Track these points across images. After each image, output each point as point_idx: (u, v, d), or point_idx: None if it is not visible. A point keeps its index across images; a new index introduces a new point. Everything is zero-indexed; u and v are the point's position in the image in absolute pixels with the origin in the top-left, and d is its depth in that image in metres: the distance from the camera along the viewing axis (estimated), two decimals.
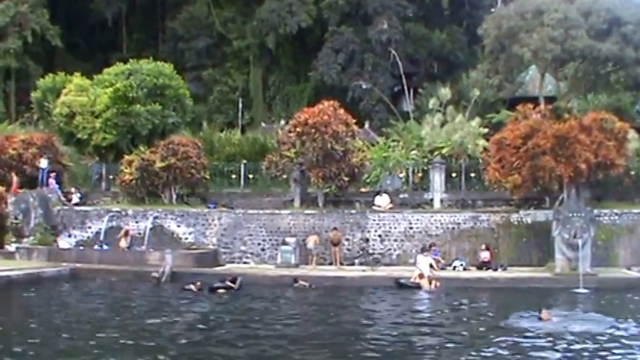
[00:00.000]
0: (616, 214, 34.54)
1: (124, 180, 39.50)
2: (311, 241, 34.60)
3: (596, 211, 33.07)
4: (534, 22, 47.98)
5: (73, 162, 44.42)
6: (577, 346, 17.51)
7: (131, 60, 46.27)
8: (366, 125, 54.20)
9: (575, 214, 31.31)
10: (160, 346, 17.32)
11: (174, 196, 39.48)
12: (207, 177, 40.71)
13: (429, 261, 30.74)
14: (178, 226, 36.91)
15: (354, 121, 38.84)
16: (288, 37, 68.69)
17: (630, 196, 36.97)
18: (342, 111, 38.00)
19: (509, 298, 26.77)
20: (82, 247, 36.36)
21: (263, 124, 61.73)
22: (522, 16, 49.01)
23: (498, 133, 35.80)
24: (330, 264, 34.56)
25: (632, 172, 37.43)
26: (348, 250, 35.32)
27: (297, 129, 37.08)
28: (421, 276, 29.66)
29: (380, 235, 35.52)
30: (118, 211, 37.86)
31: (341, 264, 34.39)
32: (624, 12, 47.24)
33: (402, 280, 29.76)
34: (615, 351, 17.00)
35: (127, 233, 35.82)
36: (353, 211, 36.61)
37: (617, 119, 35.16)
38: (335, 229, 34.99)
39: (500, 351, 17.07)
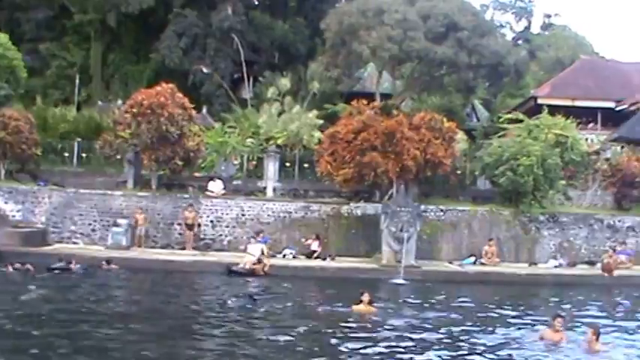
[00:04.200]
0: (441, 210, 36.14)
1: None
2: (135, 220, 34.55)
3: (423, 207, 34.50)
4: (375, 21, 49.39)
5: None
6: (395, 334, 18.37)
7: None
8: (204, 110, 54.07)
9: (402, 209, 32.54)
10: None
11: (3, 172, 38.16)
12: (39, 153, 39.38)
13: (259, 247, 31.22)
14: (6, 202, 35.71)
15: (192, 105, 38.63)
16: (130, 16, 67.45)
17: (455, 194, 38.75)
18: (179, 94, 37.59)
19: (335, 286, 27.51)
20: None
21: (100, 103, 60.39)
22: (364, 13, 50.33)
23: (332, 127, 36.64)
24: (163, 247, 34.53)
25: (459, 172, 39.38)
26: (180, 234, 35.29)
27: (133, 109, 36.43)
28: (256, 263, 30.09)
29: (212, 221, 35.63)
30: None
31: (195, 249, 34.39)
32: (461, 18, 49.34)
33: (234, 267, 30.03)
34: (422, 337, 18.07)
35: None
36: (186, 196, 36.54)
37: (448, 120, 36.87)
38: (191, 205, 34.93)
39: (316, 338, 17.69)
